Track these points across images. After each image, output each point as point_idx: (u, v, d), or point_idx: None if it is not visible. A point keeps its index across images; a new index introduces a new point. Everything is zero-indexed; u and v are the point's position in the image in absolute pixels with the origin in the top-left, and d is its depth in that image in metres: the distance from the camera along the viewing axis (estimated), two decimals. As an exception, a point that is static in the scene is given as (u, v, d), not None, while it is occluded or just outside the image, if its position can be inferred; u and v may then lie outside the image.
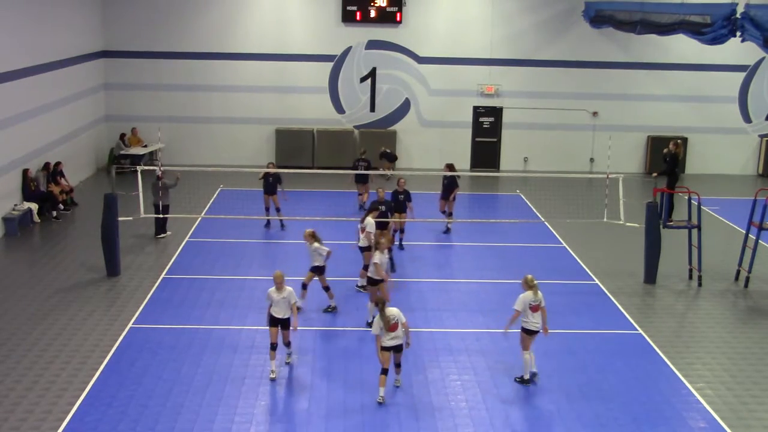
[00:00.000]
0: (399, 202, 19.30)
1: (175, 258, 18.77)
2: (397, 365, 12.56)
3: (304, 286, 15.67)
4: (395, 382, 12.59)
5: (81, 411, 11.79)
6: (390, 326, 12.07)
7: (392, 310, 12.22)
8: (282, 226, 21.38)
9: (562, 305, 16.02)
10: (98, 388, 12.47)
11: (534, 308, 12.63)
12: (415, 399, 12.41)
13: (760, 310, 16.60)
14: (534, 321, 12.66)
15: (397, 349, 12.27)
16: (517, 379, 12.92)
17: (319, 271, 15.61)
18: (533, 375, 12.92)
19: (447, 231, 21.26)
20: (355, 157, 25.06)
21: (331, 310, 15.76)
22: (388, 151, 27.21)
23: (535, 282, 12.72)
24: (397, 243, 19.38)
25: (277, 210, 21.23)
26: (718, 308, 16.57)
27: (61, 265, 18.29)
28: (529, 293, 12.64)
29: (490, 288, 17.40)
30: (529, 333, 12.73)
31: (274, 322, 12.97)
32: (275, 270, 13.32)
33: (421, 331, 14.93)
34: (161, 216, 20.14)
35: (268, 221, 21.40)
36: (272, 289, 12.95)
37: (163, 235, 20.26)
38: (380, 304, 12.20)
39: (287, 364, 13.32)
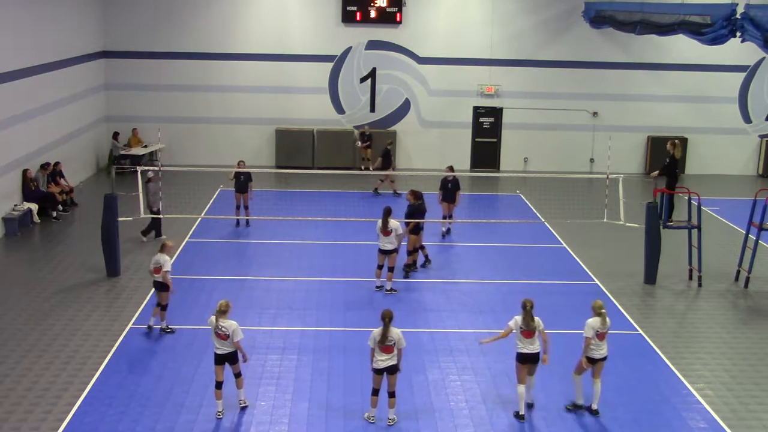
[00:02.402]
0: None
1: (175, 258, 18.76)
2: (391, 395, 11.64)
3: (162, 307, 14.65)
4: (388, 421, 11.66)
5: (81, 411, 11.79)
6: (385, 347, 11.40)
7: (395, 332, 11.45)
8: (247, 224, 21.40)
9: (562, 305, 16.02)
10: (98, 388, 12.48)
11: (601, 336, 11.81)
12: (416, 399, 12.41)
13: (760, 311, 16.61)
14: (599, 349, 11.84)
15: (390, 371, 11.51)
16: (569, 407, 12.13)
17: (160, 287, 14.47)
18: (596, 411, 12.07)
19: (448, 232, 21.16)
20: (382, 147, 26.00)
21: (168, 331, 14.58)
22: (367, 133, 27.73)
23: (604, 309, 11.90)
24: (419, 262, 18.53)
25: (245, 208, 21.25)
26: (718, 309, 16.57)
27: (61, 265, 18.30)
28: (597, 319, 11.78)
29: (491, 288, 17.40)
30: (591, 361, 11.90)
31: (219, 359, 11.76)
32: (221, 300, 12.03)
33: (422, 332, 14.94)
34: (158, 216, 19.69)
35: (238, 221, 21.38)
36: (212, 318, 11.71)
37: (154, 237, 19.88)
38: (387, 318, 11.48)
39: (242, 409, 12.05)
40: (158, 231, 20.19)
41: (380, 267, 16.85)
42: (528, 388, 12.03)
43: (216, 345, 11.79)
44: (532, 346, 11.77)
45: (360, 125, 28.73)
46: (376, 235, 16.79)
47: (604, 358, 11.94)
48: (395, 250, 16.68)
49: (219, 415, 11.79)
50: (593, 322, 11.80)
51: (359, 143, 27.91)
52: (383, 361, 11.47)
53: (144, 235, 20.06)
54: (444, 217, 20.87)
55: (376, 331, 11.54)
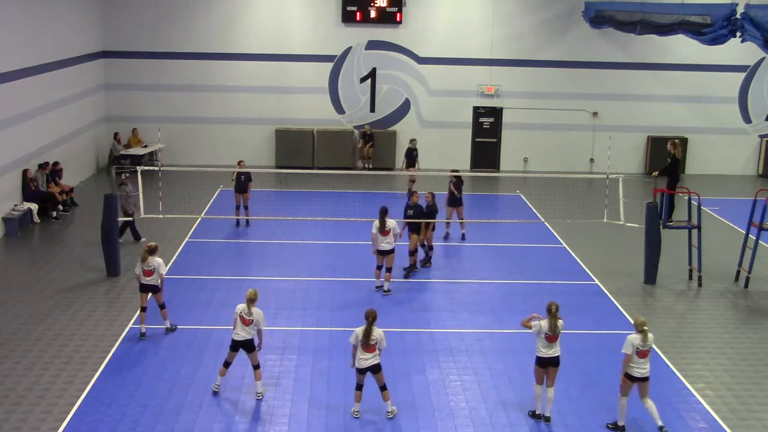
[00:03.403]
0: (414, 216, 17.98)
1: (175, 258, 18.76)
2: (383, 388, 11.74)
3: (143, 309, 14.50)
4: (387, 414, 11.76)
5: (81, 411, 11.79)
6: (367, 346, 11.46)
7: (378, 332, 11.53)
8: (247, 224, 21.36)
9: (562, 305, 15.90)
10: (98, 388, 12.47)
11: (641, 354, 11.32)
12: (415, 399, 12.41)
13: (760, 311, 16.61)
14: (639, 368, 11.34)
15: (374, 370, 11.59)
16: (610, 426, 11.65)
17: (154, 290, 14.39)
18: (661, 428, 11.50)
19: (463, 238, 20.62)
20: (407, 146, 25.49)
21: (172, 329, 14.58)
22: (368, 132, 27.83)
23: (647, 326, 11.40)
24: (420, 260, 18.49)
25: (245, 208, 21.21)
26: (718, 308, 16.57)
27: (61, 265, 18.30)
28: (637, 336, 11.31)
29: (491, 288, 17.41)
30: (631, 379, 11.42)
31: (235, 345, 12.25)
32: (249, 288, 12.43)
33: (421, 332, 14.94)
34: (130, 219, 19.40)
35: (238, 221, 21.33)
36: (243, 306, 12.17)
37: (134, 241, 19.64)
38: (370, 318, 11.55)
39: (258, 399, 12.34)
40: (135, 234, 19.77)
41: (379, 267, 16.85)
42: (547, 403, 11.87)
43: (236, 331, 12.13)
44: (552, 351, 11.64)
45: (360, 125, 28.69)
46: (370, 235, 16.72)
47: (647, 378, 11.45)
48: (393, 250, 16.66)
49: (215, 388, 12.28)
50: (633, 338, 11.34)
51: (361, 143, 28.01)
52: (366, 360, 11.57)
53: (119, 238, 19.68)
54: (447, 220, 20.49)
55: (359, 329, 11.60)
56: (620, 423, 11.64)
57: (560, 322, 11.63)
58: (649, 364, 11.46)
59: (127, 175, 20.02)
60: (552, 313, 11.58)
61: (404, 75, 29.06)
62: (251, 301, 12.14)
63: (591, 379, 13.16)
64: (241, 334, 12.13)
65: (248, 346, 12.19)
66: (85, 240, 19.93)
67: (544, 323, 11.60)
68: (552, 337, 11.59)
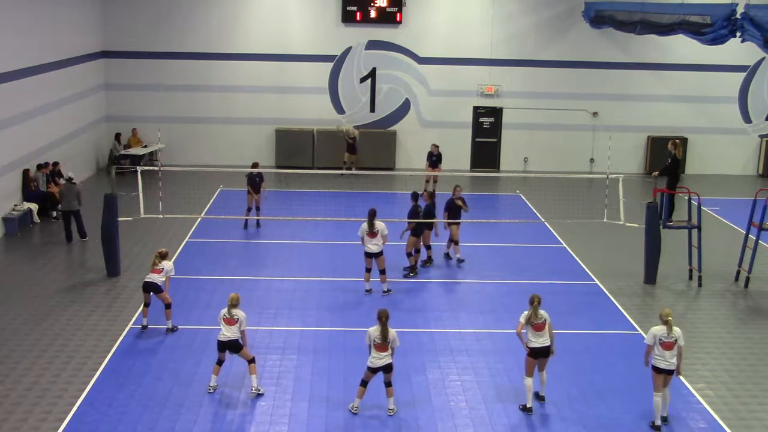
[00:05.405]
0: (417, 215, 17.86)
1: (175, 258, 18.75)
2: (388, 384, 11.93)
3: (146, 305, 14.84)
4: (388, 411, 11.90)
5: (81, 411, 11.79)
6: (381, 346, 11.63)
7: (392, 332, 11.68)
8: (258, 225, 21.36)
9: (562, 305, 16.02)
10: (98, 388, 12.48)
11: (666, 345, 11.38)
12: (415, 399, 12.41)
13: (760, 311, 16.61)
14: (665, 359, 11.41)
15: (386, 369, 11.76)
16: (653, 425, 11.67)
17: (155, 289, 14.63)
18: (664, 419, 11.76)
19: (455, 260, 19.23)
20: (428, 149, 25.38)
21: (173, 330, 14.70)
22: (352, 135, 27.80)
23: (671, 318, 11.40)
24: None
25: (257, 209, 21.22)
26: (718, 308, 16.57)
27: (61, 265, 18.30)
28: (660, 327, 11.41)
29: (491, 288, 17.41)
30: (658, 371, 11.51)
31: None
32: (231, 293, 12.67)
33: (421, 332, 14.95)
34: (69, 218, 19.61)
35: (246, 222, 21.30)
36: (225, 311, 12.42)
37: (85, 239, 19.87)
38: (384, 318, 11.64)
39: (257, 395, 12.44)
40: (69, 234, 19.85)
41: (368, 270, 16.75)
42: (541, 384, 12.25)
43: (222, 332, 12.35)
44: (542, 339, 11.89)
45: (348, 131, 28.21)
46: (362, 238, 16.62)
47: (671, 372, 11.54)
48: (381, 253, 16.56)
49: (210, 389, 12.38)
50: (656, 329, 11.45)
51: (348, 139, 27.67)
52: (380, 359, 11.67)
53: (81, 237, 19.92)
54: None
55: (372, 329, 11.69)
56: (656, 422, 11.64)
57: (542, 312, 11.89)
58: (676, 359, 11.49)
59: (72, 176, 20.39)
60: (534, 305, 11.88)
61: (404, 75, 29.06)
62: (233, 306, 12.38)
63: (590, 378, 13.16)
64: (227, 334, 12.34)
65: (234, 346, 12.39)
66: (85, 240, 19.92)
67: (527, 312, 11.93)
68: (538, 325, 11.85)
